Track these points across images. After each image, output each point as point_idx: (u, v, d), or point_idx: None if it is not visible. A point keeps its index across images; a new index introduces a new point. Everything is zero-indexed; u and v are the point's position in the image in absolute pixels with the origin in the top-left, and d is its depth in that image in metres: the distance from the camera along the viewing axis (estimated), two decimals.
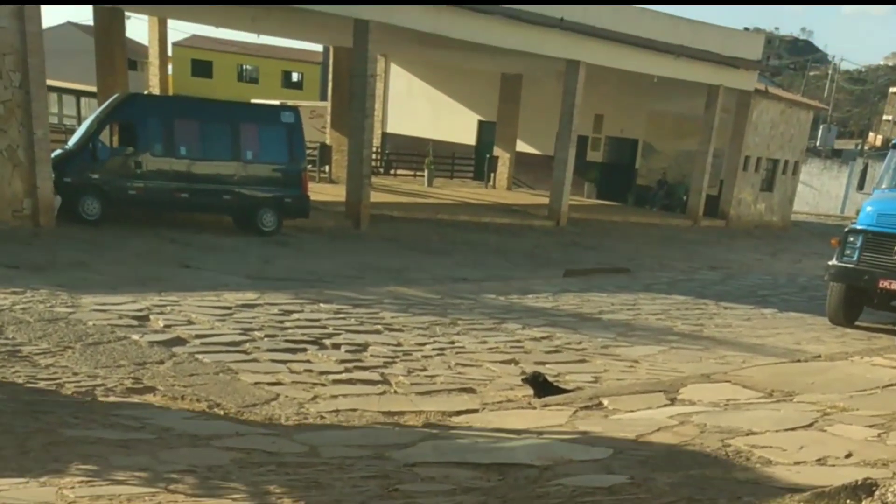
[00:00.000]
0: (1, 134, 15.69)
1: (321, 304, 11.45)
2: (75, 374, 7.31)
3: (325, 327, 10.14)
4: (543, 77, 30.80)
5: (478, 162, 36.67)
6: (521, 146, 34.78)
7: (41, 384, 6.98)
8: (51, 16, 40.69)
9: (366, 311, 11.36)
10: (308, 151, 22.30)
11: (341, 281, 13.97)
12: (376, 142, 34.15)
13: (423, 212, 24.48)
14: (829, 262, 13.66)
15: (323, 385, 7.91)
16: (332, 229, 20.34)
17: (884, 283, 12.91)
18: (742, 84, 30.65)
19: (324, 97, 39.14)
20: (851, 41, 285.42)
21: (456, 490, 4.89)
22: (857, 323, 13.87)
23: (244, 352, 8.77)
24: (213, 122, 18.38)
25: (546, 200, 27.11)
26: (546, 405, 7.44)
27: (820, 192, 48.62)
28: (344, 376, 8.30)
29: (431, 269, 16.22)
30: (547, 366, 9.22)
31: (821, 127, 58.66)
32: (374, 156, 28.90)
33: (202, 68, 61.34)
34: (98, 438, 5.66)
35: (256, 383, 7.71)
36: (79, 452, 5.26)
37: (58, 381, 7.04)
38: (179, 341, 8.78)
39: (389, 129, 38.83)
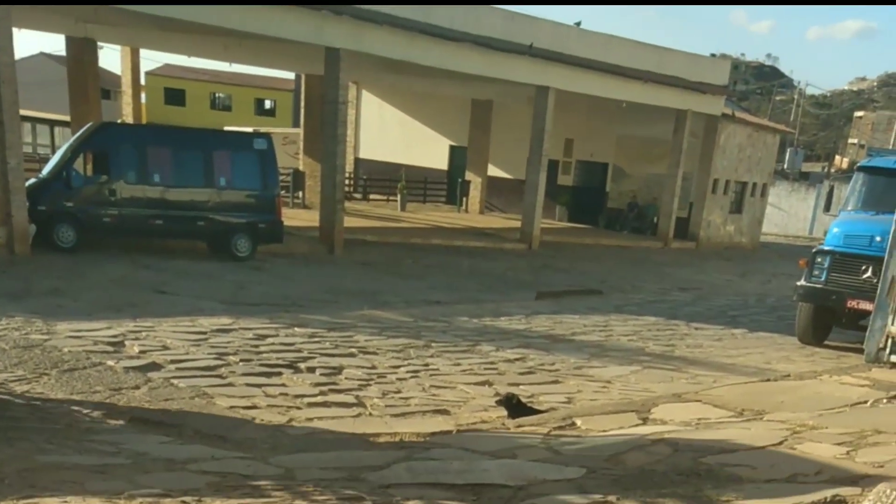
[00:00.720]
0: None
1: (296, 329, 11.47)
2: (51, 400, 7.29)
3: (299, 351, 10.16)
4: (514, 102, 30.98)
5: (450, 186, 36.78)
6: (493, 170, 34.95)
7: (17, 410, 6.97)
8: (23, 46, 40.48)
9: (340, 334, 11.39)
10: (281, 177, 22.32)
11: (316, 305, 13.98)
12: (349, 167, 34.23)
13: (396, 236, 24.52)
14: (798, 283, 13.81)
15: (298, 408, 7.93)
16: (306, 254, 20.34)
17: (852, 303, 13.08)
18: (709, 109, 30.99)
19: (296, 124, 39.15)
20: (817, 67, 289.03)
21: None
22: (825, 342, 14.02)
23: (219, 376, 8.77)
24: (186, 150, 18.41)
25: (518, 224, 27.21)
26: (520, 426, 7.50)
27: (788, 213, 49.08)
28: (319, 399, 8.33)
29: (405, 293, 16.25)
30: (521, 387, 9.29)
31: (788, 150, 59.25)
32: (347, 181, 28.94)
33: (175, 96, 61.16)
34: (74, 464, 5.66)
35: (232, 407, 7.72)
36: (54, 478, 5.25)
37: (34, 407, 7.03)
38: (155, 366, 8.78)
39: (362, 155, 38.91)
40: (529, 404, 8.27)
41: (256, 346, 10.18)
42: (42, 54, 51.19)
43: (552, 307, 15.79)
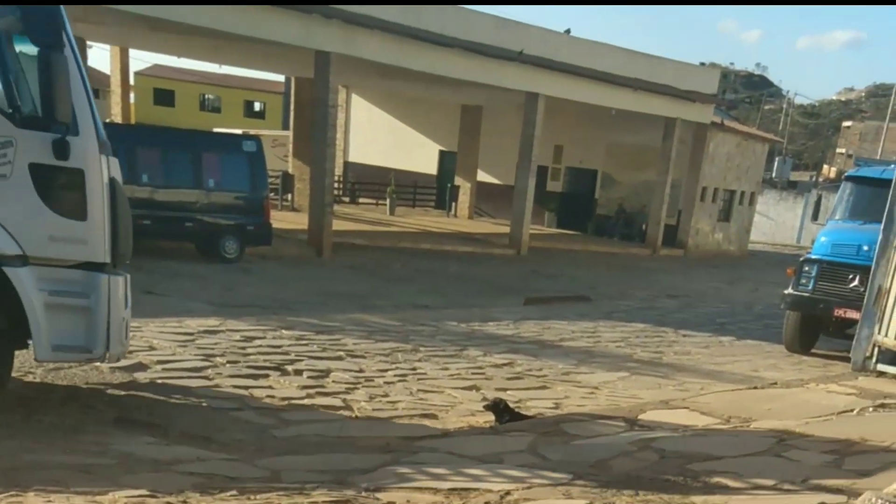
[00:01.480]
0: None
1: (283, 331, 11.43)
2: (35, 399, 7.26)
3: (287, 353, 10.13)
4: (503, 108, 31.04)
5: (439, 191, 36.81)
6: (482, 176, 34.97)
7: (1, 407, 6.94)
8: None
9: (328, 337, 11.36)
10: (270, 180, 22.30)
11: (304, 308, 13.95)
12: (338, 171, 34.21)
13: (385, 240, 24.53)
14: (786, 291, 13.85)
15: (285, 411, 7.91)
16: (294, 257, 20.31)
17: (839, 312, 13.12)
18: (698, 117, 31.11)
19: (286, 126, 39.09)
20: (805, 76, 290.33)
21: None
22: (812, 350, 14.06)
23: (206, 377, 8.73)
24: (175, 151, 18.39)
25: (507, 229, 27.26)
26: (507, 431, 7.50)
27: (776, 222, 49.27)
28: (306, 402, 8.31)
29: (393, 297, 16.24)
30: (508, 392, 9.28)
31: (776, 159, 59.53)
32: (336, 184, 28.90)
33: (164, 97, 61.02)
34: (59, 463, 5.64)
35: (218, 409, 7.69)
36: (39, 477, 5.24)
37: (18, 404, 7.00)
38: (141, 367, 8.73)
39: (351, 159, 38.89)
40: (517, 409, 8.26)
41: (244, 348, 10.15)
42: None
43: (540, 313, 15.79)
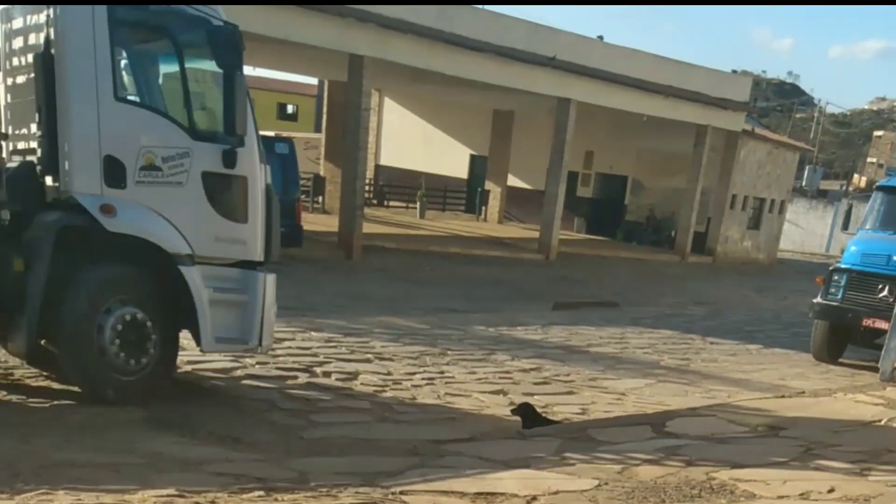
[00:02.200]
0: None
1: (312, 333, 11.49)
2: (68, 396, 7.36)
3: (316, 355, 10.19)
4: (535, 113, 31.03)
5: (469, 195, 36.82)
6: (513, 180, 34.97)
7: (32, 405, 7.05)
8: None
9: (356, 340, 11.41)
10: (302, 182, 22.37)
11: (333, 310, 13.99)
12: (369, 174, 34.30)
13: (414, 243, 24.55)
14: (814, 300, 13.77)
15: (313, 413, 7.95)
16: (324, 259, 20.38)
17: (867, 322, 13.02)
18: (730, 125, 30.96)
19: (318, 129, 39.27)
20: (837, 85, 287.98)
21: None
22: (840, 360, 13.96)
23: (235, 378, 8.81)
24: None
25: (536, 234, 27.23)
26: (534, 436, 7.51)
27: (806, 231, 48.90)
28: (334, 404, 8.36)
29: (422, 300, 16.27)
30: (535, 397, 9.28)
31: (807, 168, 59.06)
32: (367, 187, 29.00)
33: None
34: (88, 461, 5.71)
35: (247, 410, 7.76)
36: (69, 475, 5.31)
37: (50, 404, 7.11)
38: None
39: (383, 162, 38.99)
40: (544, 414, 8.27)
41: (273, 350, 10.20)
42: None
43: (568, 318, 15.77)
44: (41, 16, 7.05)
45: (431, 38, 21.39)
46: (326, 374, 9.42)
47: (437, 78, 24.13)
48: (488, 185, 35.07)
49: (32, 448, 5.85)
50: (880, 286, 12.96)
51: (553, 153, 26.04)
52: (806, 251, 46.76)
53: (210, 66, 7.47)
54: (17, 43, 7.50)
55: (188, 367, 8.89)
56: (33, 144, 7.16)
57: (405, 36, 20.87)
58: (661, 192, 33.47)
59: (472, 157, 37.62)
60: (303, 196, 23.56)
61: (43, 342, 7.30)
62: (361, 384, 9.23)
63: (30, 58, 7.16)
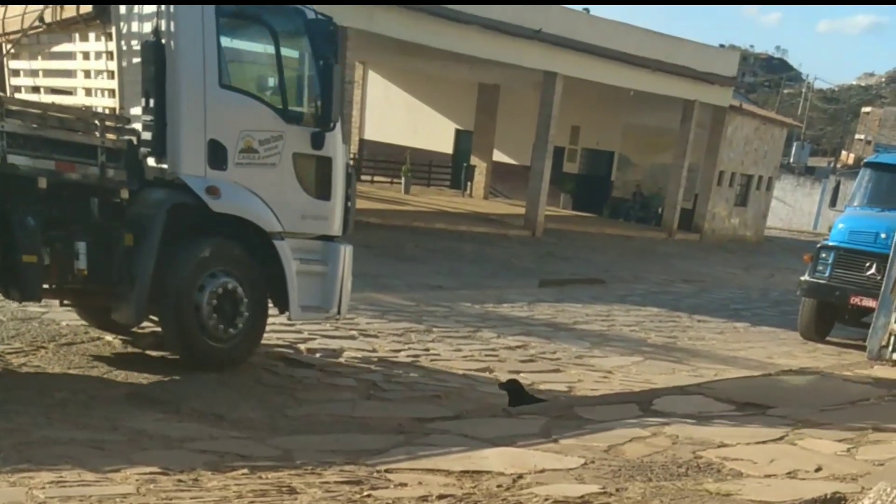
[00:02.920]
0: None
1: None
2: (48, 373, 7.27)
3: (300, 332, 10.08)
4: (521, 88, 30.86)
5: (455, 170, 36.66)
6: (498, 156, 34.81)
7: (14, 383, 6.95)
8: None
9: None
10: None
11: None
12: (353, 148, 34.12)
13: (399, 219, 24.42)
14: (802, 278, 13.78)
15: (297, 390, 7.89)
16: None
17: (855, 300, 13.04)
18: (717, 100, 30.85)
19: None
20: (825, 61, 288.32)
21: (429, 496, 4.91)
22: (828, 338, 13.99)
23: None
24: None
25: (522, 210, 27.12)
26: (520, 414, 7.47)
27: (793, 208, 49.00)
28: (318, 381, 8.29)
29: (407, 277, 16.19)
30: (521, 374, 9.25)
31: (794, 144, 59.13)
32: (350, 162, 28.82)
33: None
34: (70, 439, 5.65)
35: (230, 386, 7.67)
36: (51, 453, 5.26)
37: (32, 380, 7.02)
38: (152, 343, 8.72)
39: (367, 136, 38.74)
40: (531, 392, 8.23)
41: None
42: None
43: (555, 295, 15.75)
44: (151, 7, 7.38)
45: (417, 11, 21.18)
46: (311, 351, 9.36)
47: (422, 51, 23.91)
48: (474, 160, 34.90)
49: (13, 425, 5.77)
50: (868, 264, 12.97)
51: (539, 128, 25.87)
52: (794, 228, 46.88)
53: (301, 54, 8.17)
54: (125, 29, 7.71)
55: None
56: (136, 126, 7.39)
57: (390, 8, 20.65)
58: (647, 168, 33.43)
59: (458, 132, 37.43)
60: None
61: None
62: (346, 361, 9.17)
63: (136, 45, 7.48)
